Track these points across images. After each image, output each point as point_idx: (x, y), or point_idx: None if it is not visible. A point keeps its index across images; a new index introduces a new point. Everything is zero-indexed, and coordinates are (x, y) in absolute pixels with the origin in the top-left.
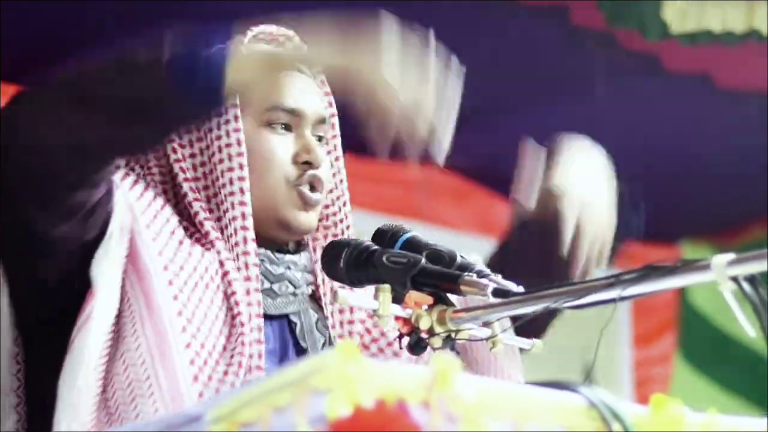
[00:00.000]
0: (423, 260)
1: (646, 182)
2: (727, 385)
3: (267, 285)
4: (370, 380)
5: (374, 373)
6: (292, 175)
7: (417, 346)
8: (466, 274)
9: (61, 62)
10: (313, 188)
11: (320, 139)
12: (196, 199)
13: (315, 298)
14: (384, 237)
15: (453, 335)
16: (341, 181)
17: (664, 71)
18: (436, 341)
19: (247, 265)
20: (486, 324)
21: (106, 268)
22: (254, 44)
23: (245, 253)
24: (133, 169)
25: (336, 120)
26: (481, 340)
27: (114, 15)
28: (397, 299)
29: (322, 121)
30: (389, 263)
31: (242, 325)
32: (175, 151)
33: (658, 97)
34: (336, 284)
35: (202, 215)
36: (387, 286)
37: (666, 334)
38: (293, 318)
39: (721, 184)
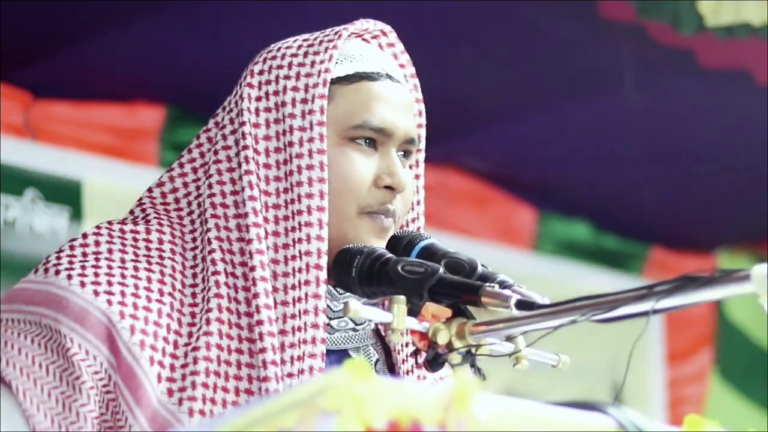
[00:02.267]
0: (441, 270)
1: (680, 186)
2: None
3: (326, 320)
4: (382, 400)
5: (387, 392)
6: (368, 200)
7: (434, 362)
8: (487, 284)
9: (54, 60)
10: (387, 215)
11: (406, 154)
12: (255, 224)
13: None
14: (399, 244)
15: (473, 350)
16: (418, 202)
17: (698, 67)
18: (455, 357)
19: (317, 310)
20: (509, 338)
21: None
22: (350, 43)
23: (316, 296)
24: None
25: (423, 132)
26: (504, 355)
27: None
28: (413, 312)
29: (410, 141)
30: (405, 273)
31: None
32: (246, 156)
33: (692, 95)
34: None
35: (256, 244)
36: (402, 298)
37: (701, 351)
38: (352, 353)
39: (761, 188)
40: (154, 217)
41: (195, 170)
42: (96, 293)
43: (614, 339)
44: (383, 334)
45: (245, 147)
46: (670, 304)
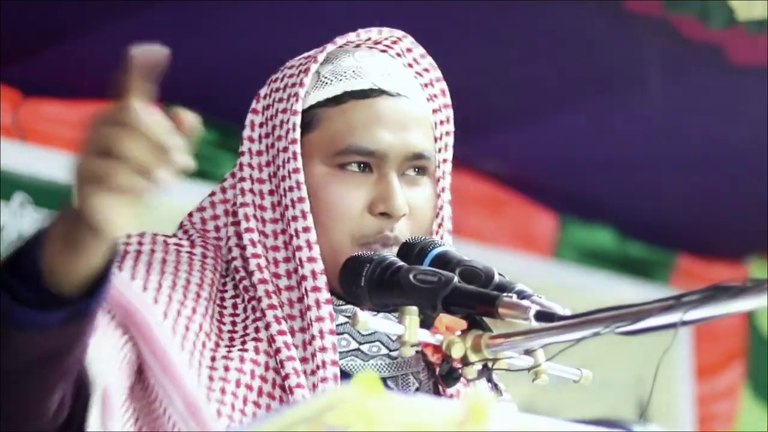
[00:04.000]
0: (456, 279)
1: (709, 190)
2: None
3: (354, 345)
4: (393, 416)
5: (398, 408)
6: (363, 230)
7: (449, 377)
8: (505, 294)
9: (45, 56)
10: (386, 243)
11: (420, 170)
12: (254, 255)
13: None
14: (411, 252)
15: (490, 365)
16: (440, 225)
17: (728, 64)
18: (471, 371)
19: (322, 333)
20: (528, 352)
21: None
22: (349, 58)
23: (319, 318)
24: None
25: (451, 140)
26: (523, 370)
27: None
28: (426, 323)
29: (417, 156)
30: (417, 282)
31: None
32: (243, 188)
33: (721, 94)
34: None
35: (257, 275)
36: (414, 309)
37: (732, 365)
38: (389, 383)
39: None
40: (198, 237)
41: (224, 191)
42: (133, 277)
43: (640, 352)
44: (430, 359)
45: (242, 179)
46: (699, 315)
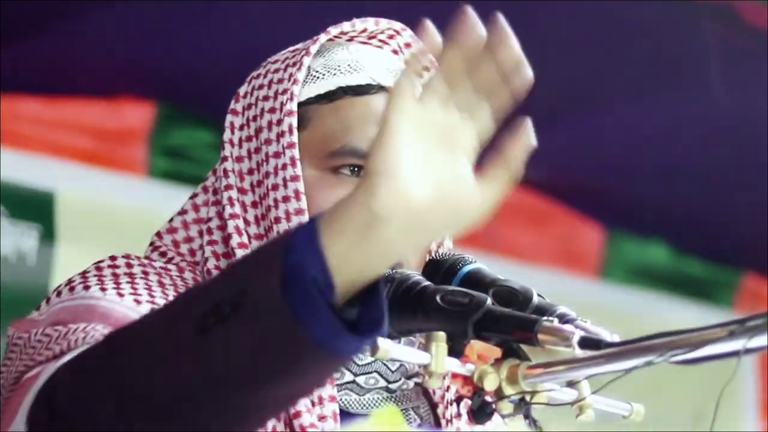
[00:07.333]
0: (489, 300)
1: None
2: None
3: (349, 378)
4: None
5: None
6: None
7: (481, 412)
8: (545, 318)
9: (22, 48)
10: None
11: None
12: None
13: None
14: (439, 270)
15: (528, 398)
16: (439, 245)
17: None
18: (506, 406)
19: None
20: (571, 383)
21: None
22: (342, 51)
23: None
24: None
25: None
26: (565, 404)
27: None
28: (456, 351)
29: None
30: (445, 304)
31: None
32: (231, 198)
33: None
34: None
35: None
36: (442, 335)
37: None
38: None
39: None
40: (180, 259)
41: (196, 207)
42: (138, 302)
43: (699, 384)
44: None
45: (228, 187)
46: (765, 342)
